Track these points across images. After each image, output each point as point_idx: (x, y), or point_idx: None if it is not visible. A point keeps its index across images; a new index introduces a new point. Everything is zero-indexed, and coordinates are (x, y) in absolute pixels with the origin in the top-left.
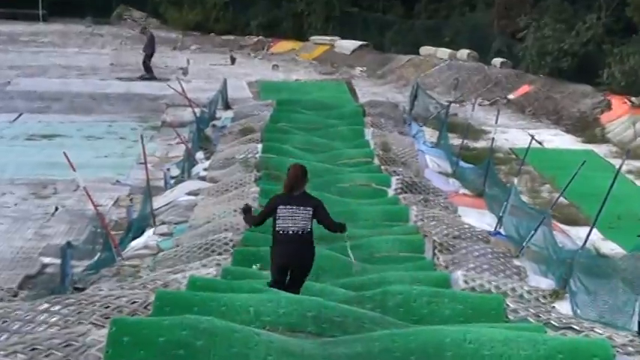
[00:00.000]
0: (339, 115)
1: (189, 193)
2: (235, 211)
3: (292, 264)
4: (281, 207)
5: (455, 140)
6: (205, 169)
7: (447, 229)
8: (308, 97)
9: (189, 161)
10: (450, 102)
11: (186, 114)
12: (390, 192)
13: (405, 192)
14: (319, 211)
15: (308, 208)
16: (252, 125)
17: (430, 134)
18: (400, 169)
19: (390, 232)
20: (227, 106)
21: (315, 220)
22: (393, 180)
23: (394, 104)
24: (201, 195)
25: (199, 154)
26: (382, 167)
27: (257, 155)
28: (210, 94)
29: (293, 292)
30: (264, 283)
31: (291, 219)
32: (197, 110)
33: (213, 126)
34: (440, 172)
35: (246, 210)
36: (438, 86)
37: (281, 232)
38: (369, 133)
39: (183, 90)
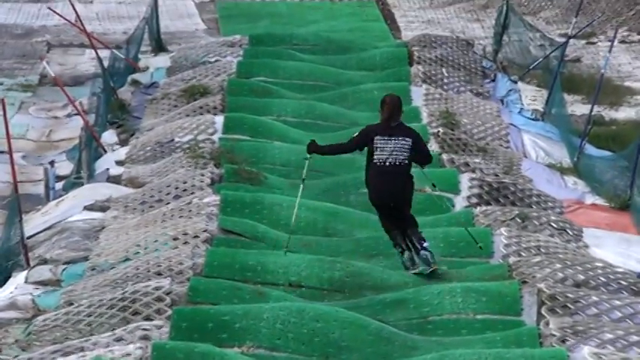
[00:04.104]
0: (366, 62)
1: (89, 208)
2: (175, 239)
3: (391, 197)
4: (379, 137)
5: (577, 107)
6: (120, 163)
7: (563, 269)
8: (308, 29)
9: (90, 148)
10: (569, 37)
11: (85, 62)
12: (460, 201)
13: (487, 202)
14: (419, 142)
15: (407, 139)
16: (205, 82)
17: (532, 96)
18: (477, 161)
19: (457, 276)
20: (160, 47)
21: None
22: (465, 180)
23: (465, 42)
24: (112, 211)
25: (109, 136)
26: (444, 157)
27: (215, 137)
28: (130, 24)
29: (409, 223)
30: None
31: (390, 151)
32: (105, 55)
33: (135, 84)
34: (550, 166)
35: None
36: (545, 8)
37: (378, 163)
38: (419, 94)
39: (77, 17)
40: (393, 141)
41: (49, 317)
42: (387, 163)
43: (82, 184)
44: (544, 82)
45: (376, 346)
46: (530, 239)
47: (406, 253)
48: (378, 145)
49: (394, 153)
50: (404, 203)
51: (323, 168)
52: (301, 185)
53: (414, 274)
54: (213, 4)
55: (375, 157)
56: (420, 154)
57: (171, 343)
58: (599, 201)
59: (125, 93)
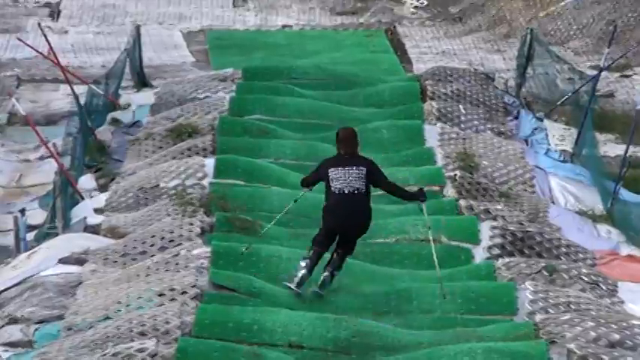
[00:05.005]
0: (374, 97)
1: (65, 261)
2: (161, 295)
3: (345, 225)
4: (332, 169)
5: (610, 147)
6: (99, 211)
7: (596, 328)
8: (309, 61)
9: (65, 195)
10: (601, 69)
11: (59, 98)
12: (480, 253)
13: (511, 253)
14: (373, 171)
15: (361, 168)
16: (193, 121)
17: (560, 136)
18: (499, 207)
19: (479, 336)
20: (143, 82)
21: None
22: (485, 228)
23: (485, 75)
24: (90, 264)
25: (87, 181)
26: (462, 203)
27: (205, 181)
28: (109, 56)
29: (345, 253)
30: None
31: (345, 180)
32: (81, 91)
33: (115, 123)
34: (581, 212)
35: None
36: (573, 38)
37: (337, 192)
38: (433, 133)
39: (50, 49)
40: (347, 171)
41: None
42: (346, 191)
43: (57, 235)
44: (573, 120)
45: None
46: (558, 294)
47: (305, 273)
48: (333, 176)
49: (349, 181)
50: (357, 234)
51: None
52: (292, 203)
53: (288, 287)
54: (203, 33)
55: (332, 187)
56: (378, 184)
57: None
58: (636, 252)
59: (104, 133)
